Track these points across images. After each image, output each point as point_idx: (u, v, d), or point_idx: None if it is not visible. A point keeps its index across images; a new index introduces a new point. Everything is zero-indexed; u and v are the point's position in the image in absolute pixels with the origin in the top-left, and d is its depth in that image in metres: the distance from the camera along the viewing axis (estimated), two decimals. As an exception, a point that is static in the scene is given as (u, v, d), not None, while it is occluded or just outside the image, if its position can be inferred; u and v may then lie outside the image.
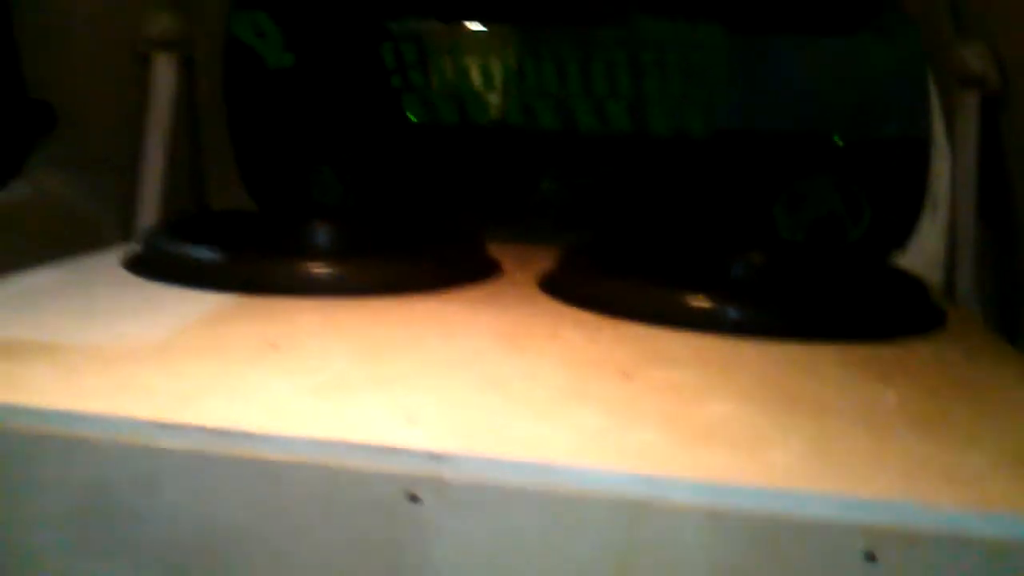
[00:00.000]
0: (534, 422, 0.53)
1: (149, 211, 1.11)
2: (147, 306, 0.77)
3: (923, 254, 1.22)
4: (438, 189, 1.32)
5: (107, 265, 0.91)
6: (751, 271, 0.96)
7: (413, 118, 1.31)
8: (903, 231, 1.23)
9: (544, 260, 1.00)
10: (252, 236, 0.98)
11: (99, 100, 1.15)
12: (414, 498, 0.48)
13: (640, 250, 1.02)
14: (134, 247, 0.96)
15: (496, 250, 1.02)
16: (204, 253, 0.86)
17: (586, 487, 0.47)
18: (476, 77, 1.29)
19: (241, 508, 0.50)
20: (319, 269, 0.83)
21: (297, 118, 1.34)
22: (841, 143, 1.30)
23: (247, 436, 0.50)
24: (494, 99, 1.30)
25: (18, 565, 0.53)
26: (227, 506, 0.50)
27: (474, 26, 1.29)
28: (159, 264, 0.87)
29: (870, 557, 0.44)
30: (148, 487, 0.51)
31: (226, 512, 0.50)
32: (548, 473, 0.47)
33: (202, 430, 0.50)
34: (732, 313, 0.78)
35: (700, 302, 0.79)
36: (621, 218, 1.29)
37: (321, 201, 1.37)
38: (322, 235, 0.97)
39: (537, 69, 1.27)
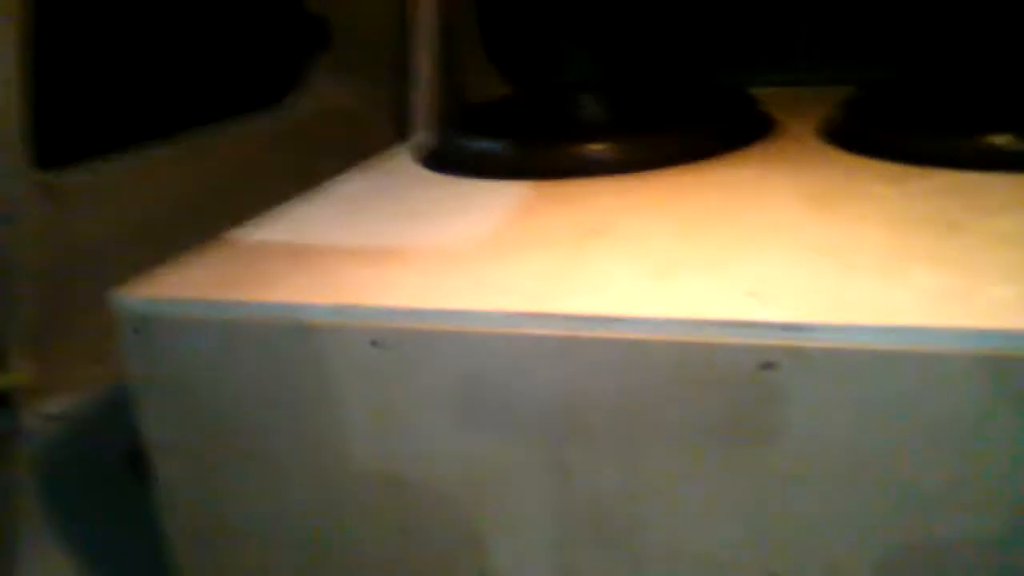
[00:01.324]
0: (876, 286, 0.54)
1: (425, 109, 1.18)
2: (458, 201, 0.83)
3: None
4: (689, 38, 1.31)
5: (404, 165, 0.99)
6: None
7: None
8: None
9: (813, 106, 0.99)
10: (530, 122, 1.02)
11: (367, 8, 1.21)
12: (768, 366, 0.51)
13: (924, 91, 0.97)
14: (424, 144, 1.03)
15: (762, 97, 1.02)
16: (496, 145, 0.91)
17: (945, 346, 0.48)
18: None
19: (604, 385, 0.56)
20: (605, 150, 0.86)
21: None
22: None
23: (609, 320, 0.55)
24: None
25: (408, 438, 0.62)
26: (591, 384, 0.56)
27: None
28: (454, 158, 0.94)
29: None
30: (520, 371, 0.57)
31: (590, 389, 0.56)
32: (904, 335, 0.49)
33: (567, 317, 0.56)
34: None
35: (1005, 141, 0.76)
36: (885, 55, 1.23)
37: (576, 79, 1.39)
38: (599, 113, 0.99)
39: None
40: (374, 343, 0.60)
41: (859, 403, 0.50)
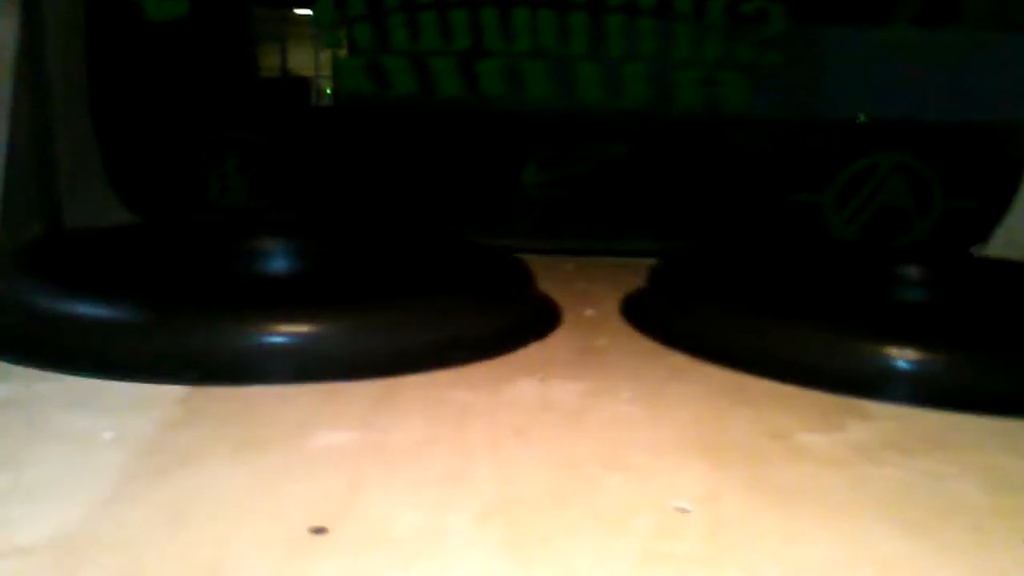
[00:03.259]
0: None
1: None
2: (20, 434, 0.40)
3: (1013, 246, 1.00)
4: (378, 183, 0.98)
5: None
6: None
7: (354, 88, 0.96)
8: (983, 221, 0.99)
9: (581, 278, 0.70)
10: (174, 277, 0.60)
11: None
12: None
13: (745, 274, 0.71)
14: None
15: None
16: (111, 311, 0.49)
17: None
18: (443, 34, 0.95)
19: None
20: (323, 339, 0.48)
21: (188, 90, 0.96)
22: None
23: None
24: (466, 63, 0.97)
25: None
26: None
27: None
28: (28, 333, 0.50)
29: None
30: None
31: None
32: None
33: None
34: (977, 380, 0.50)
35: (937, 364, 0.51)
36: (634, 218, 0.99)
37: (221, 203, 1.00)
38: (293, 272, 0.60)
39: (531, 20, 0.94)
40: None
41: None
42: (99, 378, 0.46)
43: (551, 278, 0.69)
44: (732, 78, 0.97)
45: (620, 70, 0.97)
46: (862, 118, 1.05)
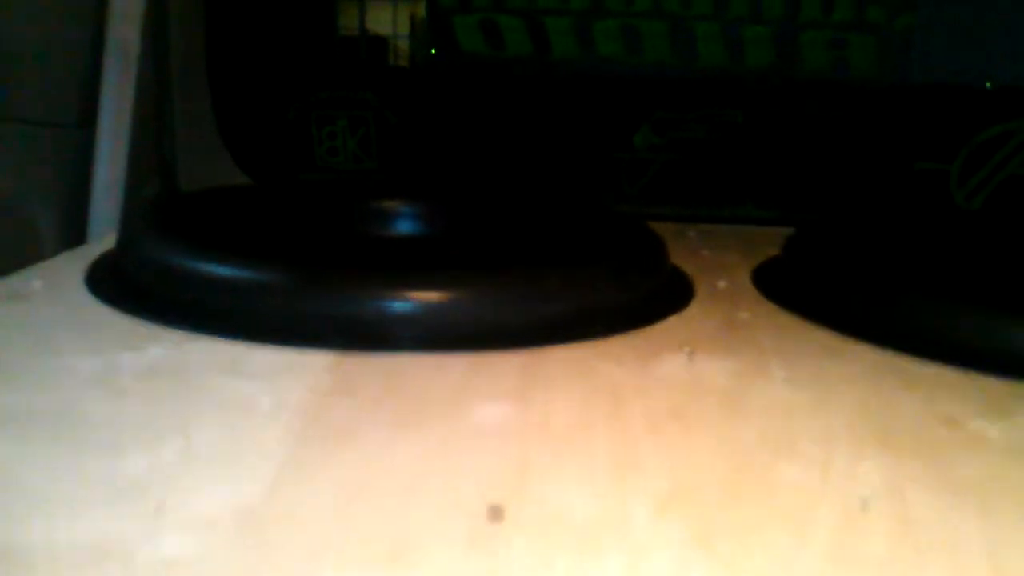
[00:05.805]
0: None
1: (112, 195, 0.73)
2: (192, 393, 0.40)
3: None
4: (489, 145, 0.96)
5: (62, 295, 0.53)
6: None
7: (467, 47, 0.94)
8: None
9: (705, 247, 0.68)
10: (311, 240, 0.60)
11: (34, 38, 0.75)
12: None
13: (891, 247, 0.68)
14: (110, 256, 0.59)
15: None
16: (251, 273, 0.49)
17: None
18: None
19: None
20: (473, 307, 0.47)
21: (299, 49, 0.96)
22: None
23: None
24: (579, 24, 0.94)
25: None
26: None
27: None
28: (161, 289, 0.50)
29: None
30: None
31: None
32: None
33: None
34: None
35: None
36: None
37: (328, 165, 1.00)
38: (430, 237, 0.60)
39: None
40: None
41: None
42: (247, 341, 0.46)
43: (674, 245, 0.67)
44: (861, 40, 0.92)
45: (742, 32, 0.94)
46: (988, 85, 0.99)
